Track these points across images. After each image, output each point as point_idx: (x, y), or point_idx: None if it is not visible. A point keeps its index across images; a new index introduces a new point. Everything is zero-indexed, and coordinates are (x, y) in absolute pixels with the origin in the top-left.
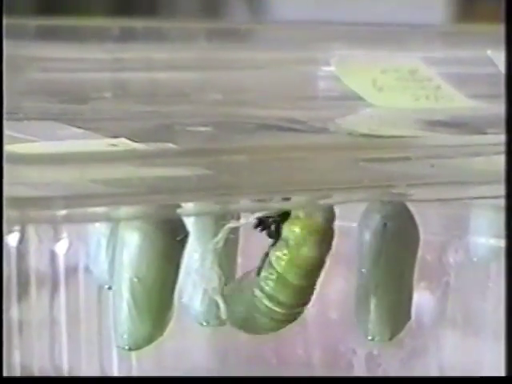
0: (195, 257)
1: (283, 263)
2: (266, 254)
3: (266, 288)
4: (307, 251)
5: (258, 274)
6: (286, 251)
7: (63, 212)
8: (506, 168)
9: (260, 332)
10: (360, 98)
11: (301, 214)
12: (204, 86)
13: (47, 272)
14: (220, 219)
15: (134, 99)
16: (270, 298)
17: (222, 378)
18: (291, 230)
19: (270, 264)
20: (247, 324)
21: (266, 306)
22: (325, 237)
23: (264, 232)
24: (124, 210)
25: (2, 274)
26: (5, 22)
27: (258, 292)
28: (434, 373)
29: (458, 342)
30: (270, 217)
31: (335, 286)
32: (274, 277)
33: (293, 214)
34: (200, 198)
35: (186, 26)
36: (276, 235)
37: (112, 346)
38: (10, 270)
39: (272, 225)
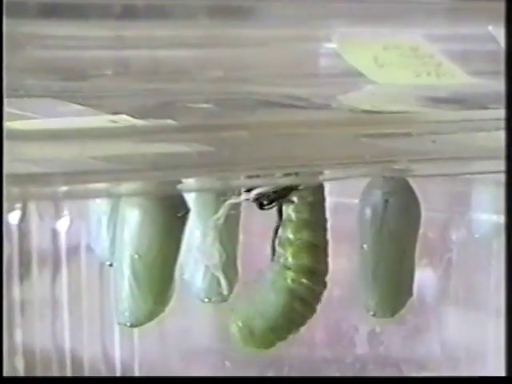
0: (196, 233)
1: (289, 229)
2: (275, 234)
3: (287, 261)
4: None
5: (273, 253)
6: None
7: (64, 188)
8: (506, 144)
9: (296, 322)
10: (361, 75)
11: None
12: (205, 64)
13: (49, 250)
14: (221, 195)
15: (135, 77)
16: (292, 268)
17: (221, 378)
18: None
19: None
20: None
21: (292, 280)
22: (316, 206)
23: (264, 207)
24: (125, 186)
25: (2, 254)
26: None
27: (280, 271)
28: (436, 350)
29: (460, 318)
30: (270, 193)
31: (337, 263)
32: (289, 246)
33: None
34: (201, 174)
35: (188, 4)
36: (278, 212)
37: (114, 324)
38: (12, 247)
39: (272, 200)
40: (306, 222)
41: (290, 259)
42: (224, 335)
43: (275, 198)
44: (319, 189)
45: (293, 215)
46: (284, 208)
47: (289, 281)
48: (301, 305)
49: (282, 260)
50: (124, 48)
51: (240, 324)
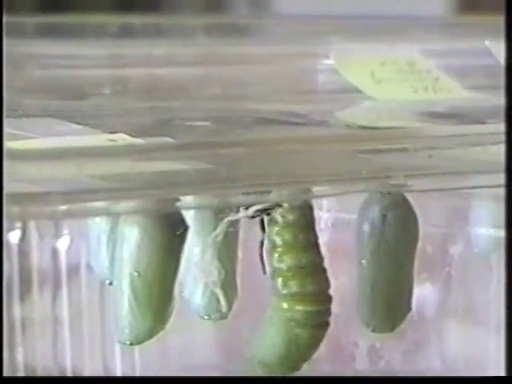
0: (195, 251)
1: (274, 256)
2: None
3: (280, 291)
4: (290, 241)
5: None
6: (273, 248)
7: (63, 207)
8: (505, 159)
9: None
10: (359, 91)
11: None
12: (203, 81)
13: (49, 269)
14: (219, 212)
15: (133, 95)
16: (279, 293)
17: (222, 378)
18: (271, 231)
19: (263, 265)
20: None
21: (287, 309)
22: (303, 227)
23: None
24: (123, 205)
25: (2, 272)
26: (4, 19)
27: (276, 304)
28: (436, 364)
29: (459, 332)
30: (267, 209)
31: (336, 278)
32: (277, 275)
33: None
34: (199, 191)
35: (184, 22)
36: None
37: (115, 341)
38: (12, 267)
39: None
40: (289, 247)
41: (280, 289)
42: (224, 351)
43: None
44: (304, 208)
45: (276, 240)
46: (268, 232)
47: (285, 312)
48: (304, 330)
49: (275, 291)
50: (122, 66)
51: (256, 362)
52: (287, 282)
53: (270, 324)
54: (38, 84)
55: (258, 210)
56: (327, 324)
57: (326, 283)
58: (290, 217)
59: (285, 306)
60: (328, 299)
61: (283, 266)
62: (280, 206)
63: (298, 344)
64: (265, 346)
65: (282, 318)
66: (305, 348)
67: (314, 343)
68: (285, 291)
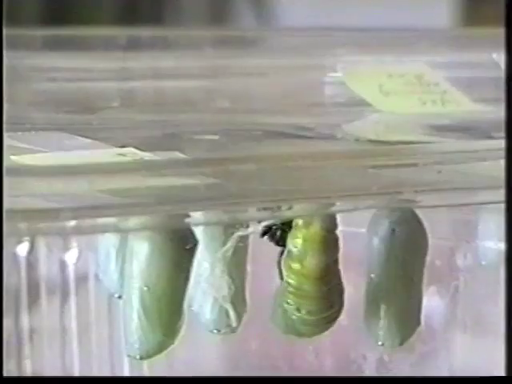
0: (205, 265)
1: (293, 275)
2: (279, 263)
3: (289, 299)
4: (311, 260)
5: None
6: (293, 263)
7: (72, 223)
8: (506, 174)
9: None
10: (367, 104)
11: (301, 223)
12: (211, 94)
13: (57, 281)
14: (229, 228)
15: (141, 108)
16: (295, 309)
17: (222, 378)
18: (293, 241)
19: (283, 276)
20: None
21: (296, 316)
22: (326, 244)
23: (271, 241)
24: (133, 221)
25: (2, 277)
26: (11, 32)
27: (285, 304)
28: (444, 375)
29: (468, 346)
30: (277, 225)
31: (345, 292)
32: (290, 288)
33: (294, 224)
34: (208, 207)
35: (192, 34)
36: (283, 243)
37: (123, 355)
38: (20, 279)
39: (278, 233)
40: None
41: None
42: (232, 365)
43: (281, 230)
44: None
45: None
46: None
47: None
48: (308, 328)
49: (287, 308)
50: (130, 79)
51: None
52: (301, 305)
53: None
54: (45, 97)
55: (266, 226)
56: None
57: (341, 305)
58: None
59: (298, 326)
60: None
61: (300, 287)
62: (287, 224)
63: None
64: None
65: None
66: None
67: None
68: (296, 313)
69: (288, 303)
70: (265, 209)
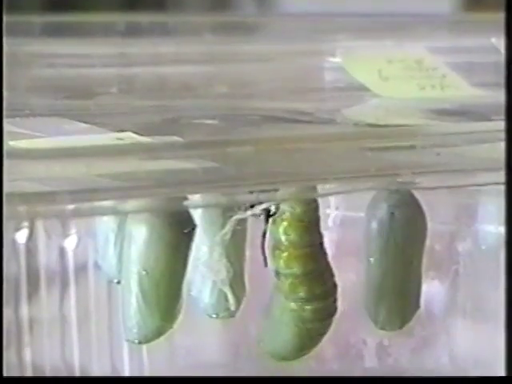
0: (203, 249)
1: (280, 260)
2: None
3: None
4: (297, 242)
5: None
6: (278, 249)
7: (71, 206)
8: (506, 156)
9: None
10: (366, 89)
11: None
12: (210, 80)
13: (56, 268)
14: (227, 211)
15: (140, 94)
16: (287, 295)
17: (222, 378)
18: (279, 227)
19: (265, 258)
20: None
21: (296, 307)
22: (306, 229)
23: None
24: (131, 204)
25: (2, 268)
26: (10, 19)
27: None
28: (444, 362)
29: (468, 329)
30: (276, 207)
31: (344, 276)
32: (282, 278)
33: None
34: (206, 189)
35: (191, 20)
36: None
37: (123, 341)
38: (20, 266)
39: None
40: (296, 252)
41: (287, 292)
42: (233, 351)
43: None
44: (310, 207)
45: (282, 239)
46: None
47: (293, 311)
48: (315, 324)
49: (282, 292)
50: (129, 65)
51: (268, 354)
52: (295, 287)
53: (280, 323)
54: (45, 83)
55: (265, 209)
56: (336, 309)
57: (332, 283)
58: (297, 214)
59: (293, 306)
60: (334, 291)
61: (290, 272)
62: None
63: (309, 337)
64: (276, 341)
65: (290, 317)
66: (316, 339)
67: (324, 333)
68: (293, 295)
69: (285, 297)
70: (263, 191)
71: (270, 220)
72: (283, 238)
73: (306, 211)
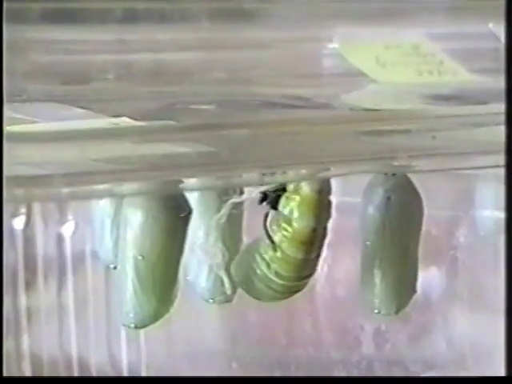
0: (199, 233)
1: (281, 238)
2: (265, 226)
3: (265, 256)
4: (302, 225)
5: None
6: (283, 225)
7: (66, 190)
8: (506, 139)
9: (258, 297)
10: (363, 75)
11: (295, 188)
12: (207, 66)
13: (54, 254)
14: (223, 195)
15: (137, 80)
16: (268, 266)
17: (224, 378)
18: (287, 205)
19: (269, 236)
20: (248, 286)
21: (265, 274)
22: (319, 209)
23: (267, 206)
24: (127, 187)
25: (3, 262)
26: (8, 5)
27: (258, 257)
28: (442, 348)
29: (465, 315)
30: (272, 191)
31: (341, 262)
32: (273, 248)
33: (288, 189)
34: (202, 173)
35: (189, 6)
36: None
37: (120, 327)
38: (17, 252)
39: (274, 198)
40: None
41: (270, 257)
42: (230, 336)
43: (277, 195)
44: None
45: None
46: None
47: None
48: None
49: (262, 250)
50: (126, 51)
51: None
52: (281, 273)
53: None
54: (42, 69)
55: (261, 192)
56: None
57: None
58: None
59: (271, 277)
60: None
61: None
62: (284, 189)
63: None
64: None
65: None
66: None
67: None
68: (278, 271)
69: (262, 258)
70: (260, 174)
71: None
72: (288, 217)
73: (315, 191)
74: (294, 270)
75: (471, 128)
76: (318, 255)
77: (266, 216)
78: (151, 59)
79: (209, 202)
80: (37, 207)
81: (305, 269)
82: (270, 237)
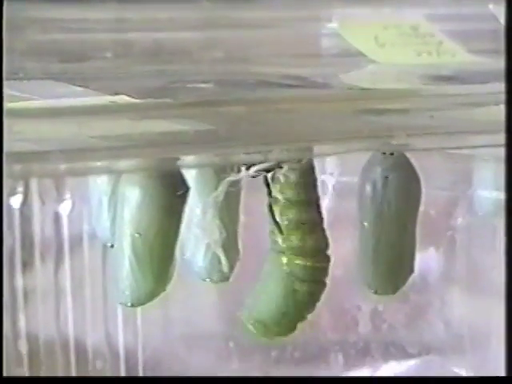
0: (196, 211)
1: (276, 212)
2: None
3: (279, 246)
4: (293, 198)
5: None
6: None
7: (64, 166)
8: (506, 118)
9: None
10: (362, 55)
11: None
12: (206, 45)
13: (51, 233)
14: (220, 173)
15: (135, 58)
16: (279, 247)
17: (224, 378)
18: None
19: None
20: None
21: (287, 264)
22: (305, 184)
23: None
24: (124, 164)
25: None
26: None
27: (274, 259)
28: (439, 328)
29: (462, 296)
30: (269, 169)
31: (339, 241)
32: (278, 230)
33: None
34: (200, 151)
35: None
36: (267, 187)
37: (117, 307)
38: (14, 231)
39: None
40: (291, 203)
41: (280, 243)
42: (227, 316)
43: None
44: (306, 168)
45: (279, 197)
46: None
47: (284, 267)
48: (302, 285)
49: (274, 246)
50: (124, 30)
51: (252, 321)
52: (288, 236)
53: (269, 280)
54: (40, 47)
55: (259, 170)
56: (324, 283)
57: (325, 243)
58: (292, 176)
59: (284, 260)
60: (326, 259)
61: (284, 220)
62: (280, 166)
63: (295, 299)
64: (262, 302)
65: (280, 273)
66: (302, 304)
67: (311, 300)
68: (285, 245)
69: (277, 251)
70: (256, 152)
71: (269, 178)
72: (279, 196)
73: (301, 173)
74: (294, 238)
75: (469, 107)
76: (316, 227)
77: (270, 195)
78: (150, 38)
79: (206, 180)
80: (34, 186)
81: (305, 238)
82: (273, 217)
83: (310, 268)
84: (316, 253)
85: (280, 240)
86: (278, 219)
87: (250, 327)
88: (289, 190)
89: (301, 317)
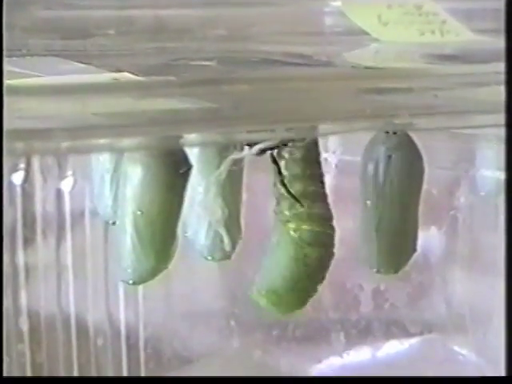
0: (199, 190)
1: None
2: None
3: (285, 215)
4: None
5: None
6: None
7: (66, 144)
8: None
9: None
10: (366, 33)
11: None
12: (209, 23)
13: (52, 210)
14: (223, 151)
15: (138, 36)
16: (291, 219)
17: (224, 378)
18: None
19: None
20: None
21: (294, 230)
22: (310, 166)
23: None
24: (127, 142)
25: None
26: None
27: (281, 228)
28: (440, 308)
29: (465, 275)
30: (272, 147)
31: (341, 220)
32: (283, 200)
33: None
34: (202, 129)
35: None
36: (275, 164)
37: (119, 285)
38: (16, 208)
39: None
40: (297, 176)
41: (286, 212)
42: (228, 294)
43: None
44: (310, 145)
45: (284, 173)
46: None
47: (291, 232)
48: (311, 250)
49: (281, 217)
50: (127, 7)
51: (264, 291)
52: (294, 204)
53: (277, 249)
54: (42, 24)
55: (263, 149)
56: (332, 250)
57: (330, 214)
58: (297, 152)
59: (292, 226)
60: (332, 228)
61: (291, 191)
62: (285, 144)
63: (305, 264)
64: (273, 272)
65: (289, 240)
66: (312, 270)
67: (320, 266)
68: (291, 213)
69: (284, 221)
70: (259, 131)
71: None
72: (284, 172)
73: (305, 150)
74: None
75: (473, 87)
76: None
77: (280, 173)
78: (152, 15)
79: (209, 158)
80: (36, 163)
81: (310, 205)
82: (288, 191)
83: (317, 233)
84: (322, 220)
85: (286, 208)
86: (283, 191)
87: (263, 300)
88: (294, 166)
89: (312, 285)
